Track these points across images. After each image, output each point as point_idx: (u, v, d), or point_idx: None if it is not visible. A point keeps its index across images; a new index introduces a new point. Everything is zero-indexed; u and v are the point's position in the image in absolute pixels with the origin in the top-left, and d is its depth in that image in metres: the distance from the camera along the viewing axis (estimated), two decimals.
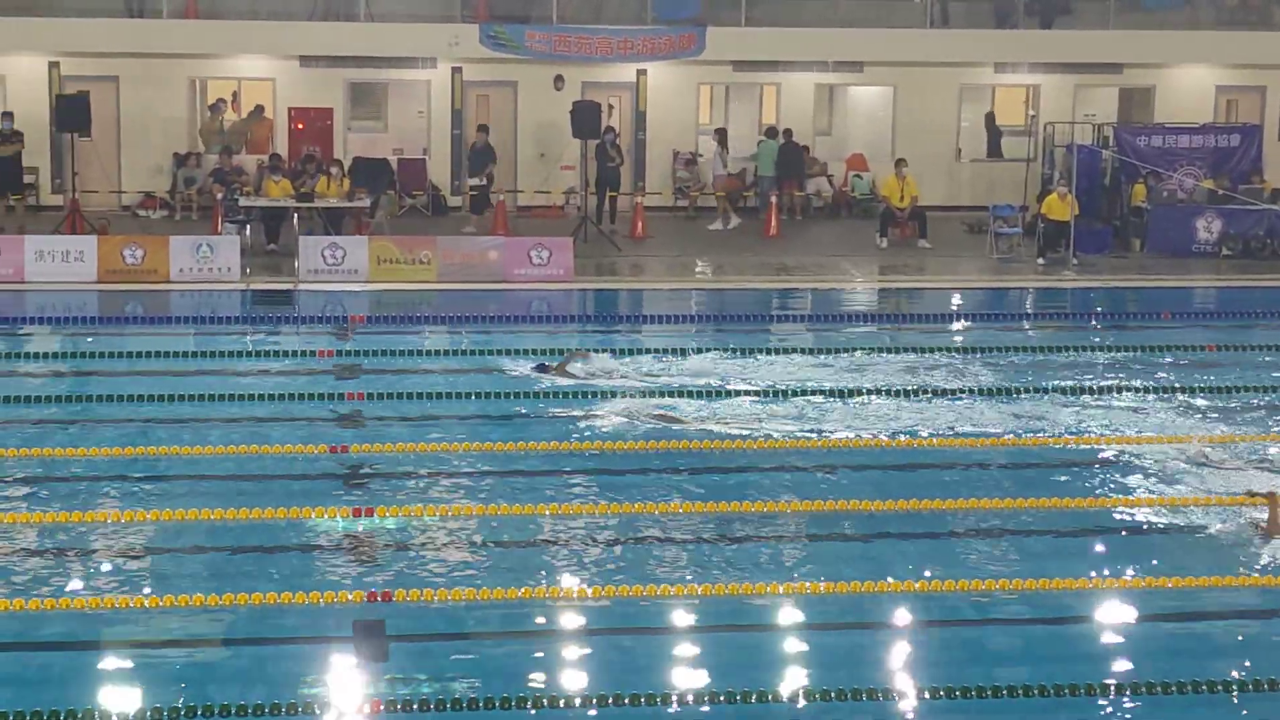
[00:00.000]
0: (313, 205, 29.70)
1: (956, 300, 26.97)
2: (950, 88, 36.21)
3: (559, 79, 34.74)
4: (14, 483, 15.36)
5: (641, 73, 35.08)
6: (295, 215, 29.37)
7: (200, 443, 16.63)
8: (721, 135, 35.20)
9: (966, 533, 14.30)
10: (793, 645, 12.10)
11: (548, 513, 14.70)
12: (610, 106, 34.55)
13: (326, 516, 14.44)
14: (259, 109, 35.43)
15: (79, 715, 10.37)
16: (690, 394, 18.85)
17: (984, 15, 36.65)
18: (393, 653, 11.77)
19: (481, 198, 32.97)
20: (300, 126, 34.63)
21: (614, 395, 18.72)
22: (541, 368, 19.77)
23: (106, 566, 13.31)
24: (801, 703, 10.94)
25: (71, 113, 30.13)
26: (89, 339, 22.51)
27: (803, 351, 21.51)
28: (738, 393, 19.02)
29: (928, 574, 13.18)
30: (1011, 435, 17.47)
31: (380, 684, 11.21)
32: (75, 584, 12.89)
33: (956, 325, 24.90)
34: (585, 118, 30.89)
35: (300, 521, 14.28)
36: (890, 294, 27.67)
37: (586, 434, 17.22)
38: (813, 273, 28.57)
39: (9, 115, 31.47)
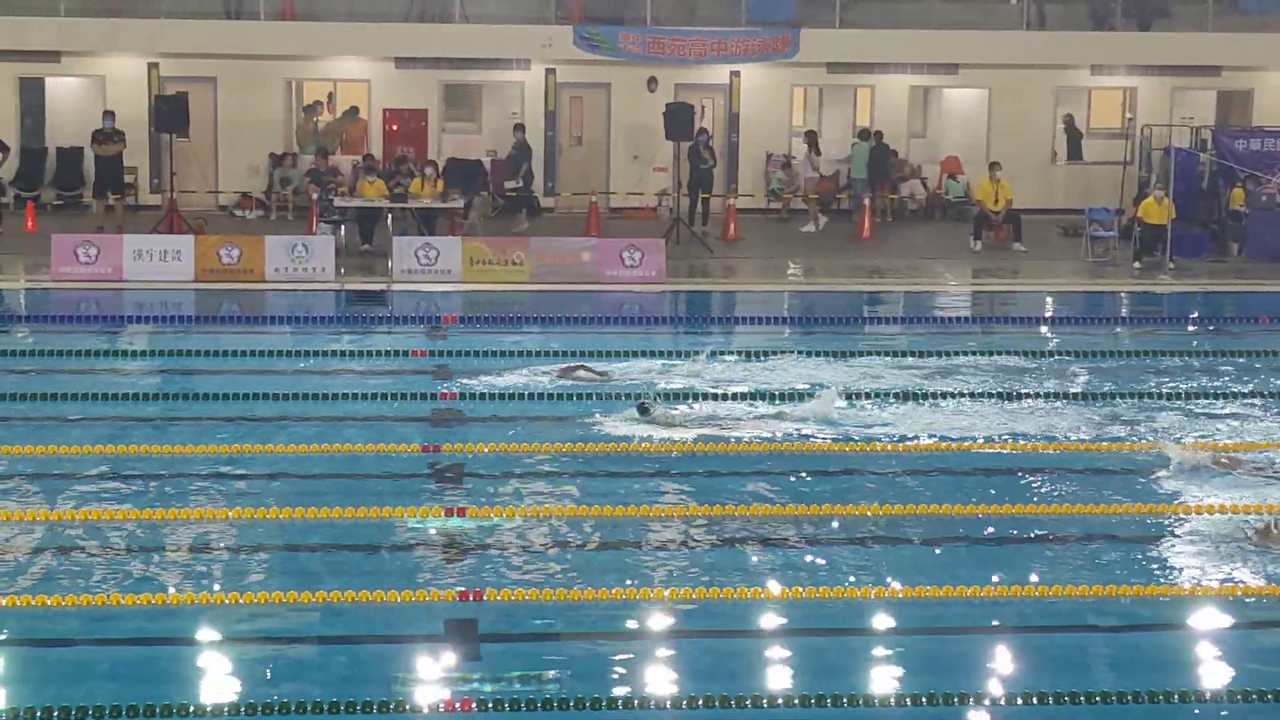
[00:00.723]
0: (406, 206, 29.88)
1: (1051, 304, 26.78)
2: (1046, 90, 35.96)
3: (652, 80, 34.77)
4: (110, 479, 15.53)
5: (735, 74, 35.03)
6: (389, 216, 29.55)
7: (294, 441, 16.75)
8: (811, 137, 35.13)
9: (1063, 538, 14.21)
10: (883, 649, 12.05)
11: (639, 514, 14.71)
12: (703, 108, 34.55)
13: (419, 516, 14.52)
14: (353, 109, 35.62)
15: (174, 710, 10.48)
16: (777, 396, 18.83)
17: (1080, 17, 36.36)
18: (484, 652, 11.82)
19: (523, 200, 32.89)
20: (395, 127, 34.82)
21: (708, 398, 18.72)
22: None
23: (200, 564, 13.43)
24: (891, 707, 10.91)
25: (170, 113, 30.44)
26: (186, 337, 22.73)
27: (893, 354, 21.43)
28: (824, 394, 18.97)
29: (1017, 578, 13.11)
30: (1106, 440, 17.32)
31: (471, 682, 11.26)
32: (170, 581, 13.01)
33: (1051, 329, 24.71)
34: (678, 119, 30.88)
35: (392, 520, 14.37)
36: (984, 297, 27.53)
37: (678, 436, 17.20)
38: (905, 276, 28.47)
39: (111, 115, 31.82)
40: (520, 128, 33.76)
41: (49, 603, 12.26)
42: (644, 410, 17.74)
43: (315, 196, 31.38)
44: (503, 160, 34.92)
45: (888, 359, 21.12)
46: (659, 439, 17.00)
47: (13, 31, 33.12)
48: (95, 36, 33.55)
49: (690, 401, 18.56)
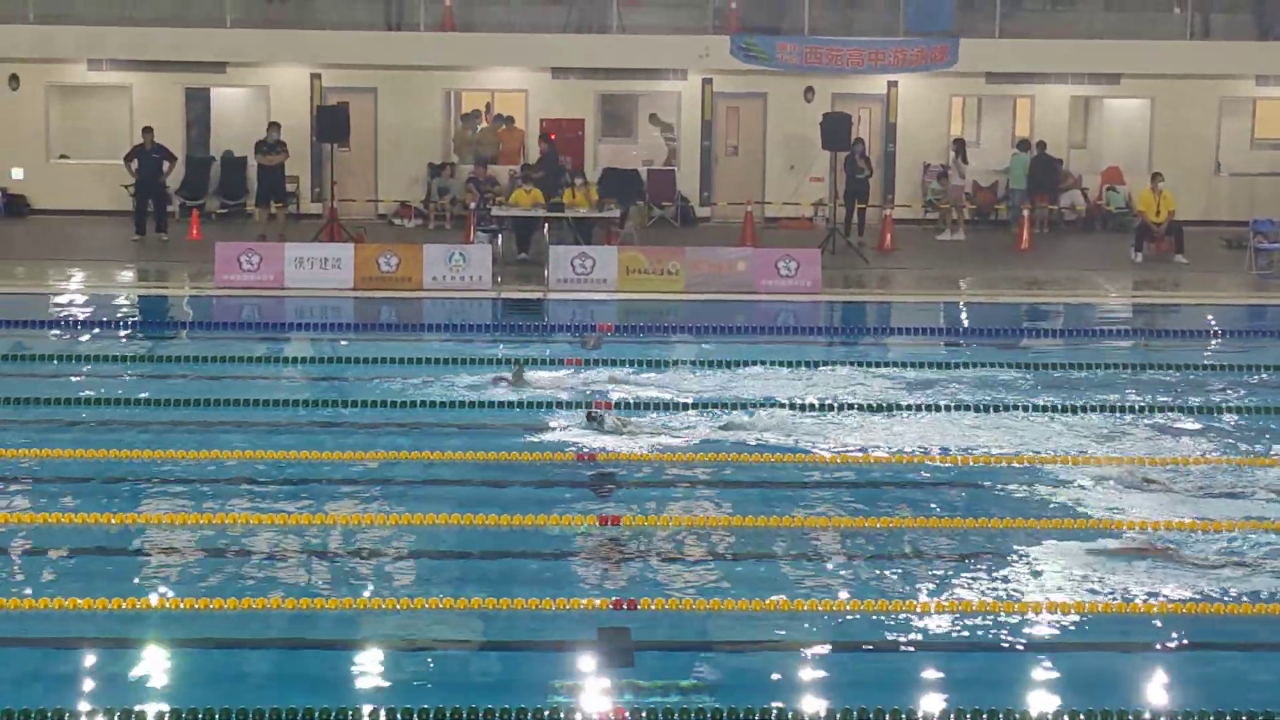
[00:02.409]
0: (563, 215, 30.03)
1: (1213, 317, 26.34)
2: (1210, 100, 35.42)
3: (809, 90, 34.69)
4: (268, 483, 15.76)
5: (893, 84, 34.87)
6: (546, 225, 29.72)
7: (449, 448, 16.87)
8: (959, 146, 34.73)
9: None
10: (1043, 664, 11.93)
11: (793, 524, 14.66)
12: (860, 118, 34.39)
13: (573, 524, 14.58)
14: (501, 118, 35.82)
15: (332, 714, 10.60)
16: (927, 408, 18.74)
17: (1245, 26, 35.76)
18: (636, 660, 11.84)
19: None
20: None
21: (872, 410, 18.65)
22: (500, 379, 19.59)
23: (355, 568, 13.59)
24: None
25: (331, 123, 30.83)
26: (345, 344, 22.99)
27: (1050, 367, 21.20)
28: (968, 407, 18.83)
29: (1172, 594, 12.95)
30: (1269, 455, 17.02)
31: (624, 691, 11.28)
32: (325, 585, 13.17)
33: (1213, 342, 24.32)
34: (835, 129, 30.79)
35: (547, 528, 14.44)
36: (1144, 310, 27.17)
37: (833, 446, 17.15)
38: (1065, 287, 28.15)
39: (276, 126, 32.27)
40: (545, 137, 33.76)
41: (211, 605, 12.46)
42: (593, 419, 17.83)
43: (473, 205, 31.64)
44: (659, 170, 35.09)
45: (1039, 372, 20.93)
46: (820, 449, 16.97)
47: (180, 43, 33.77)
48: (260, 48, 34.13)
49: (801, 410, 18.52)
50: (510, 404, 18.71)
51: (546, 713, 10.72)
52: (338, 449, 16.92)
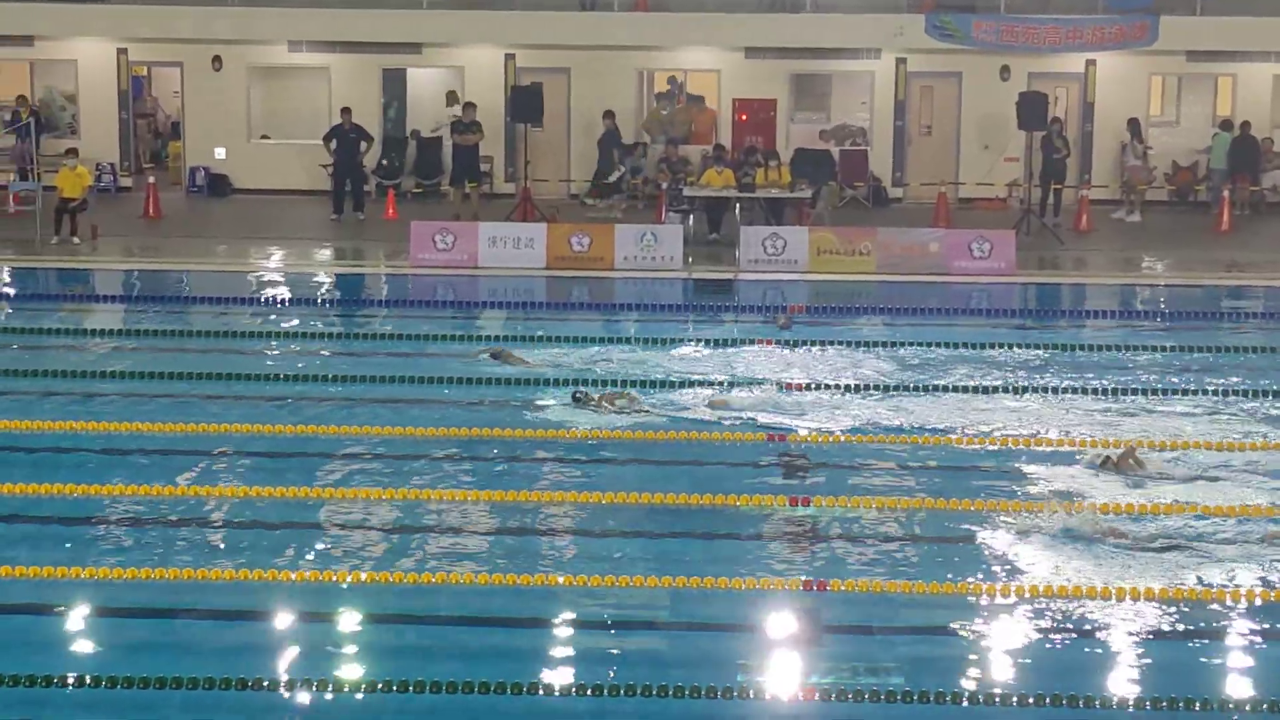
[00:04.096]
0: (754, 195, 29.99)
1: None
2: None
3: (1005, 69, 34.27)
4: (461, 460, 15.95)
5: (1091, 63, 34.34)
6: (737, 205, 29.71)
7: (639, 427, 16.94)
8: (1134, 126, 33.95)
9: None
10: (1229, 652, 11.74)
11: (984, 508, 14.51)
12: (1056, 98, 33.92)
13: (764, 504, 14.57)
14: (693, 99, 35.84)
15: (523, 688, 10.72)
16: (1119, 392, 18.48)
17: None
18: (826, 641, 11.83)
19: (614, 185, 32.35)
20: (744, 117, 34.98)
21: (1066, 393, 18.44)
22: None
23: (546, 545, 13.72)
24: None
25: (525, 104, 31.09)
26: (536, 323, 23.17)
27: (1249, 350, 20.82)
28: (1164, 390, 18.54)
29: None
30: None
31: (814, 671, 11.28)
32: (516, 560, 13.29)
33: None
34: (1031, 109, 30.42)
35: (738, 508, 14.44)
36: None
37: (1028, 429, 16.97)
38: (1265, 270, 27.55)
39: (471, 106, 32.60)
40: (609, 114, 33.64)
41: (406, 579, 12.65)
42: (578, 399, 17.77)
43: (664, 185, 31.70)
44: (852, 150, 34.91)
45: (1236, 355, 20.57)
46: (1018, 432, 16.81)
47: (377, 24, 34.23)
48: (455, 29, 34.47)
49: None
50: (699, 383, 18.70)
51: (736, 691, 10.76)
52: (527, 427, 17.06)
